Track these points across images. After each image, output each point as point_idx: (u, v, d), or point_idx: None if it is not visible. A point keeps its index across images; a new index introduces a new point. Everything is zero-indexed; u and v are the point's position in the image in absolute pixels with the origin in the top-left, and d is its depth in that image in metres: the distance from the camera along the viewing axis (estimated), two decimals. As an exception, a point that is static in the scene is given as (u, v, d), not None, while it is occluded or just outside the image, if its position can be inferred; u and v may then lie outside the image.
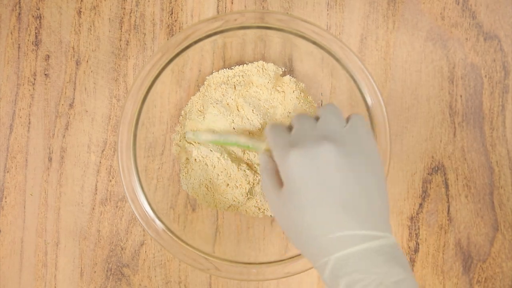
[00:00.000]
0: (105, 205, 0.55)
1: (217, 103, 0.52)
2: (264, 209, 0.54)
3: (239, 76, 0.54)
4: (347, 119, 0.40)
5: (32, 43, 0.56)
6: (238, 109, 0.53)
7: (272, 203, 0.40)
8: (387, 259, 0.34)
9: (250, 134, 0.52)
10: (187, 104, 0.54)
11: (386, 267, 0.34)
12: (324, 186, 0.36)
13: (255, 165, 0.52)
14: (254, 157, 0.53)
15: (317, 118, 0.41)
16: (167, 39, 0.55)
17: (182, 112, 0.54)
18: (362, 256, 0.34)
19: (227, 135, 0.50)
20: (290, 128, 0.42)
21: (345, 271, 0.34)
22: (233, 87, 0.53)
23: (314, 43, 0.48)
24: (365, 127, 0.40)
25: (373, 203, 0.37)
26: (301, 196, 0.37)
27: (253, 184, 0.52)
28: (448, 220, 0.56)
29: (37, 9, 0.56)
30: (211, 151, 0.51)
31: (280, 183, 0.40)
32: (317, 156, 0.37)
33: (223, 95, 0.53)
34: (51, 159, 0.55)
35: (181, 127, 0.54)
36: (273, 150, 0.40)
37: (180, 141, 0.54)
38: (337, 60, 0.48)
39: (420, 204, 0.56)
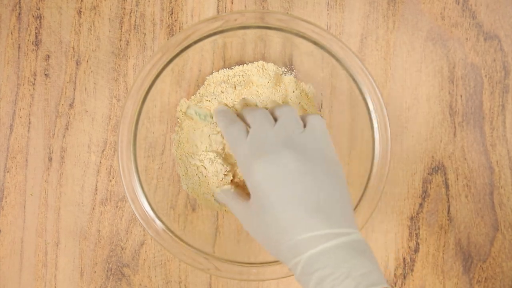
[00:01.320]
0: (105, 205, 0.55)
1: (210, 96, 0.52)
2: None
3: (239, 76, 0.54)
4: (304, 120, 0.42)
5: (32, 43, 0.56)
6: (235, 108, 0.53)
7: (242, 217, 0.42)
8: (355, 254, 0.36)
9: None
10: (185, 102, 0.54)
11: (353, 260, 0.35)
12: (288, 193, 0.37)
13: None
14: None
15: (274, 119, 0.42)
16: (167, 39, 0.55)
17: (178, 109, 0.54)
18: (330, 253, 0.36)
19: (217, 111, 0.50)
20: (242, 119, 0.43)
21: (315, 268, 0.36)
22: (233, 86, 0.53)
23: (314, 43, 0.48)
24: (322, 128, 0.42)
25: (336, 203, 0.38)
26: (269, 204, 0.38)
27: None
28: (448, 220, 0.56)
29: (37, 9, 0.56)
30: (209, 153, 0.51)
31: (244, 197, 0.42)
32: (279, 164, 0.38)
33: (222, 92, 0.53)
34: (51, 159, 0.55)
35: (179, 126, 0.54)
36: (235, 156, 0.41)
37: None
38: (337, 60, 0.48)
39: (420, 204, 0.56)
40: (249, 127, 0.42)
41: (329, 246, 0.36)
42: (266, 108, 0.48)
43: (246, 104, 0.49)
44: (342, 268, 0.35)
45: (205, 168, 0.52)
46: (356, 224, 0.39)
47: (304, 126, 0.42)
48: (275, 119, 0.42)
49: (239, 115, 0.45)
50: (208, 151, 0.52)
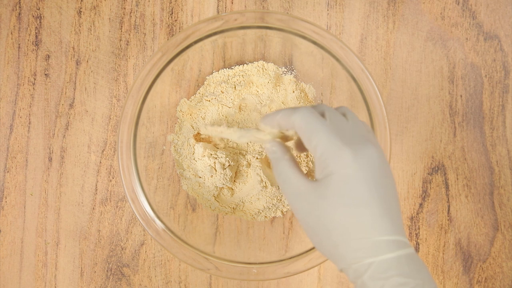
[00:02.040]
0: (105, 205, 0.55)
1: (209, 95, 0.52)
2: (255, 215, 0.54)
3: (239, 76, 0.54)
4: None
5: (32, 43, 0.56)
6: (239, 108, 0.53)
7: (298, 197, 0.38)
8: (423, 268, 0.36)
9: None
10: (185, 102, 0.54)
11: (425, 274, 0.35)
12: (369, 189, 0.36)
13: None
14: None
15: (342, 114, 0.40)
16: (167, 39, 0.55)
17: (178, 109, 0.54)
18: (403, 261, 0.35)
19: (232, 130, 0.45)
20: (317, 112, 0.39)
21: (390, 273, 0.35)
22: (233, 86, 0.53)
23: (314, 43, 0.48)
24: (355, 117, 0.40)
25: (398, 210, 0.37)
26: (344, 196, 0.36)
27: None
28: (448, 220, 0.56)
29: (37, 9, 0.56)
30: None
31: (302, 173, 0.38)
32: (368, 160, 0.36)
33: (222, 92, 0.53)
34: (51, 159, 0.55)
35: (178, 126, 0.54)
36: (316, 143, 0.37)
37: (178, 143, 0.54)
38: (337, 60, 0.48)
39: (420, 204, 0.55)
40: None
41: (403, 254, 0.35)
42: None
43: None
44: (417, 279, 0.35)
45: (202, 170, 0.52)
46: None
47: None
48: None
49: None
50: (205, 155, 0.52)
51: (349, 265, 0.36)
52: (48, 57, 0.56)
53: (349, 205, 0.36)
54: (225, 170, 0.51)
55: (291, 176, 0.38)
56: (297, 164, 0.39)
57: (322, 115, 0.38)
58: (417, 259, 0.36)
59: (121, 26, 0.56)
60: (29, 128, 0.56)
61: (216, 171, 0.51)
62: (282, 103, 0.53)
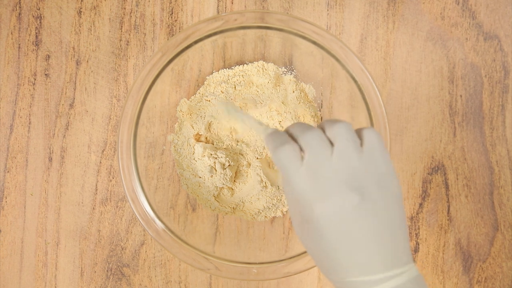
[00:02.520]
0: (105, 205, 0.55)
1: (209, 95, 0.52)
2: (255, 215, 0.54)
3: (239, 76, 0.54)
4: (360, 136, 0.37)
5: (32, 43, 0.56)
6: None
7: (300, 223, 0.37)
8: None
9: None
10: (185, 102, 0.54)
11: None
12: (350, 234, 0.35)
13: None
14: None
15: (332, 138, 0.36)
16: (167, 39, 0.55)
17: (178, 109, 0.54)
18: None
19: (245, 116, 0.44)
20: (295, 141, 0.37)
21: None
22: (233, 86, 0.53)
23: (314, 43, 0.48)
24: (381, 146, 0.37)
25: (397, 239, 0.36)
26: (330, 245, 0.36)
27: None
28: (448, 220, 0.56)
29: (37, 9, 0.56)
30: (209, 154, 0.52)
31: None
32: (343, 207, 0.35)
33: (222, 92, 0.53)
34: (51, 159, 0.55)
35: (178, 126, 0.54)
36: (286, 183, 0.37)
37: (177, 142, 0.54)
38: (337, 60, 0.48)
39: (420, 204, 0.56)
40: (302, 151, 0.36)
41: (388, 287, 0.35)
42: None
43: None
44: None
45: (202, 170, 0.52)
46: (410, 254, 0.38)
47: (361, 143, 0.37)
48: (331, 141, 0.36)
49: (288, 132, 0.38)
50: (205, 155, 0.52)
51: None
52: (48, 57, 0.56)
53: (328, 251, 0.36)
54: (225, 170, 0.51)
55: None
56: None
57: (333, 140, 0.36)
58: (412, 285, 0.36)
59: (121, 26, 0.56)
60: (29, 128, 0.56)
61: (216, 171, 0.51)
62: (282, 103, 0.53)
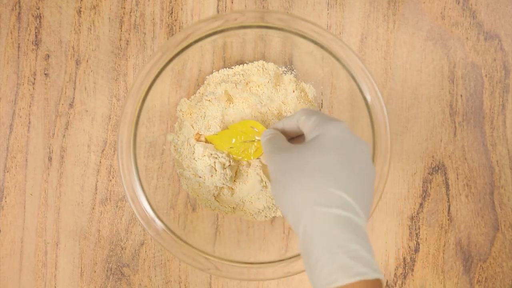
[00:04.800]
0: (105, 205, 0.55)
1: (209, 94, 0.52)
2: (255, 214, 0.54)
3: (239, 75, 0.54)
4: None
5: (32, 43, 0.56)
6: (232, 101, 0.53)
7: (275, 154, 0.41)
8: (365, 237, 0.36)
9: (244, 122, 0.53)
10: (185, 101, 0.54)
11: (363, 242, 0.35)
12: (343, 158, 0.38)
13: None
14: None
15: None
16: (167, 39, 0.55)
17: (178, 108, 0.54)
18: (350, 224, 0.35)
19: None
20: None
21: (335, 231, 0.35)
22: (234, 85, 0.53)
23: (314, 42, 0.48)
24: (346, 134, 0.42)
25: (370, 192, 0.39)
26: (325, 147, 0.39)
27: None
28: (448, 220, 0.56)
29: (37, 8, 0.56)
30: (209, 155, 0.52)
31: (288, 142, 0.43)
32: (355, 139, 0.40)
33: (222, 92, 0.53)
34: (51, 158, 0.55)
35: (178, 126, 0.54)
36: (313, 116, 0.43)
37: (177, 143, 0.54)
38: (337, 59, 0.48)
39: (421, 204, 0.55)
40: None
41: (348, 216, 0.36)
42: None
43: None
44: (356, 244, 0.35)
45: (202, 170, 0.52)
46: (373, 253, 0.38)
47: None
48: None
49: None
50: (205, 154, 0.52)
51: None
52: (48, 56, 0.56)
53: (323, 154, 0.38)
54: (225, 170, 0.51)
55: (280, 141, 0.44)
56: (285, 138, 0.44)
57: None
58: (362, 228, 0.36)
59: (121, 26, 0.56)
60: (29, 128, 0.55)
61: (216, 171, 0.51)
62: (282, 102, 0.53)
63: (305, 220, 0.36)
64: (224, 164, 0.51)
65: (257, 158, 0.53)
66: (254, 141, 0.52)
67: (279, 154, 0.41)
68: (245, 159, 0.52)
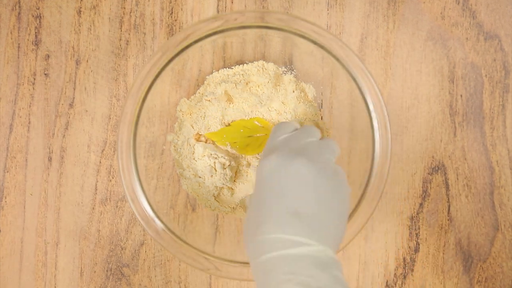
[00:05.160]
0: (105, 205, 0.55)
1: (209, 94, 0.52)
2: None
3: (239, 75, 0.54)
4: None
5: (32, 43, 0.56)
6: (232, 101, 0.53)
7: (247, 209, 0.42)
8: (322, 266, 0.35)
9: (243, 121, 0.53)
10: (185, 102, 0.54)
11: (316, 272, 0.35)
12: (282, 192, 0.38)
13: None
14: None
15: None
16: (167, 39, 0.55)
17: (178, 108, 0.54)
18: (295, 259, 0.35)
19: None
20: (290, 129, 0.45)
21: (276, 271, 0.35)
22: (234, 85, 0.53)
23: (314, 42, 0.48)
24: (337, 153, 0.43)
25: (328, 220, 0.38)
26: (259, 194, 0.39)
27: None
28: (448, 220, 0.56)
29: (37, 8, 0.56)
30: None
31: None
32: (291, 166, 0.39)
33: (222, 91, 0.53)
34: (51, 159, 0.55)
35: (178, 126, 0.54)
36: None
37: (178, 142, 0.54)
38: (337, 59, 0.48)
39: (421, 204, 0.55)
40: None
41: (295, 252, 0.35)
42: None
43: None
44: (302, 276, 0.34)
45: (202, 170, 0.52)
46: (337, 247, 0.38)
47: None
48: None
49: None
50: (205, 154, 0.52)
51: (251, 262, 0.38)
52: (48, 56, 0.56)
53: (257, 205, 0.38)
54: (225, 170, 0.51)
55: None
56: None
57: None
58: (320, 259, 0.35)
59: (121, 26, 0.56)
60: (28, 128, 0.55)
61: (216, 171, 0.51)
62: (282, 102, 0.53)
63: (263, 267, 0.37)
64: (224, 164, 0.51)
65: (258, 156, 0.53)
66: (258, 136, 0.52)
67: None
68: (249, 154, 0.53)
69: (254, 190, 0.40)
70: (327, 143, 0.42)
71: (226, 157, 0.52)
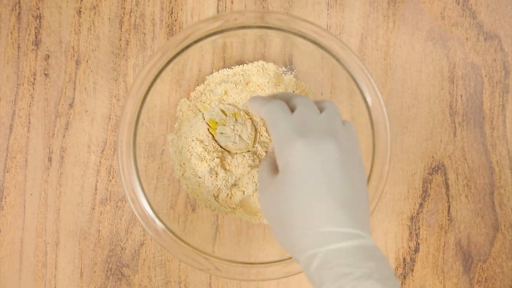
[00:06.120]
0: (105, 205, 0.55)
1: (209, 93, 0.52)
2: (260, 216, 0.54)
3: (239, 75, 0.54)
4: (343, 122, 0.41)
5: (32, 43, 0.56)
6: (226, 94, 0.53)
7: (262, 190, 0.40)
8: (375, 257, 0.35)
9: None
10: (185, 102, 0.54)
11: (374, 263, 0.35)
12: (323, 181, 0.36)
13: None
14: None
15: (320, 109, 0.41)
16: (167, 39, 0.55)
17: (178, 108, 0.54)
18: (351, 252, 0.35)
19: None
20: (288, 108, 0.41)
21: (334, 264, 0.35)
22: (234, 85, 0.53)
23: (314, 42, 0.48)
24: (356, 134, 0.41)
25: (360, 204, 0.37)
26: (298, 185, 0.36)
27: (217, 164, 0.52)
28: (448, 220, 0.56)
29: (37, 8, 0.56)
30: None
31: (275, 170, 0.39)
32: (322, 151, 0.37)
33: (222, 91, 0.53)
34: (51, 159, 0.55)
35: (178, 125, 0.54)
36: (274, 134, 0.39)
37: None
38: (337, 59, 0.48)
39: (421, 204, 0.55)
40: (292, 110, 0.40)
41: (350, 245, 0.35)
42: None
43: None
44: (364, 268, 0.34)
45: (201, 171, 0.52)
46: (370, 229, 0.38)
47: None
48: (320, 110, 0.41)
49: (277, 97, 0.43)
50: (204, 152, 0.52)
51: (299, 256, 0.36)
52: (48, 57, 0.56)
53: (300, 196, 0.36)
54: (226, 174, 0.51)
55: (263, 173, 0.40)
56: (273, 164, 0.40)
57: (294, 107, 0.40)
58: (371, 250, 0.35)
59: (121, 26, 0.56)
60: (28, 128, 0.55)
61: (217, 175, 0.51)
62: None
63: (317, 261, 0.36)
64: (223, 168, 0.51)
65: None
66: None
67: (262, 193, 0.40)
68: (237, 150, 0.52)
69: (283, 174, 0.38)
70: (331, 111, 0.40)
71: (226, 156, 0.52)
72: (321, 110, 0.40)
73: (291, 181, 0.37)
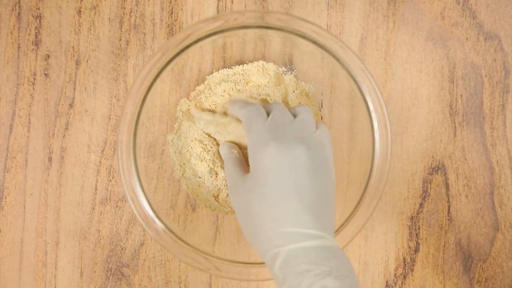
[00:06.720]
0: (105, 205, 0.55)
1: (209, 92, 0.52)
2: None
3: (239, 75, 0.54)
4: (316, 126, 0.44)
5: (32, 43, 0.56)
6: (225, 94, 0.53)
7: (233, 189, 0.42)
8: (336, 257, 0.37)
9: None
10: (185, 102, 0.54)
11: (334, 263, 0.36)
12: (291, 184, 0.38)
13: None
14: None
15: (294, 115, 0.44)
16: (167, 39, 0.55)
17: (178, 108, 0.54)
18: (313, 251, 0.37)
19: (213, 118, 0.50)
20: (264, 111, 0.44)
21: (296, 262, 0.36)
22: (234, 85, 0.53)
23: (314, 42, 0.48)
24: (329, 137, 0.44)
25: (328, 208, 0.40)
26: (267, 187, 0.39)
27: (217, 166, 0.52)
28: (448, 220, 0.56)
29: (37, 8, 0.56)
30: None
31: (244, 170, 0.42)
32: (292, 156, 0.39)
33: (223, 91, 0.53)
34: (51, 159, 0.55)
35: (178, 126, 0.54)
36: (249, 136, 0.42)
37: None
38: (337, 59, 0.48)
39: (421, 204, 0.55)
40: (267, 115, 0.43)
41: (312, 244, 0.37)
42: None
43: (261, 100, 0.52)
44: (323, 266, 0.36)
45: (201, 171, 0.52)
46: (334, 232, 0.40)
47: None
48: (293, 116, 0.44)
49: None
50: (203, 152, 0.52)
51: (264, 254, 0.39)
52: (48, 57, 0.56)
53: (268, 198, 0.38)
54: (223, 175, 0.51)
55: (232, 172, 0.43)
56: (241, 162, 0.44)
57: (269, 113, 0.43)
58: (333, 250, 0.37)
59: (121, 26, 0.56)
60: (28, 128, 0.55)
61: (217, 175, 0.51)
62: (283, 103, 0.53)
63: (280, 259, 0.37)
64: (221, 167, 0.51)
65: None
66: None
67: (233, 193, 0.42)
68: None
69: (254, 176, 0.40)
70: (304, 117, 0.43)
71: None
72: (295, 116, 0.43)
73: (261, 183, 0.39)
